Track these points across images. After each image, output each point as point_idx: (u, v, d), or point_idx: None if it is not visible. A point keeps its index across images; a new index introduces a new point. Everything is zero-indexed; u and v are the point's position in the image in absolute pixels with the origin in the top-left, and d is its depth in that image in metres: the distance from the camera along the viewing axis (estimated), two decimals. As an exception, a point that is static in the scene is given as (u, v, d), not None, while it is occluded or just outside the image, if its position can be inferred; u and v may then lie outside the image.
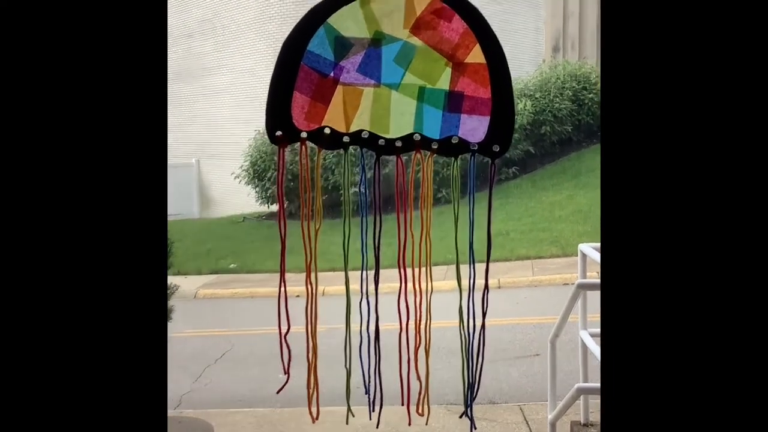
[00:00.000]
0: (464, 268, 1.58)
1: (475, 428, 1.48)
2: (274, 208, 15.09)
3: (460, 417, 1.55)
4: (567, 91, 13.82)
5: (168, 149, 1.42)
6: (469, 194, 1.56)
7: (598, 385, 4.89)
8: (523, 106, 13.08)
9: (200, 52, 16.98)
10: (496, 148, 1.57)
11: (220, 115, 17.56)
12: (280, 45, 1.48)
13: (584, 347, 5.08)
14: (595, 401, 5.73)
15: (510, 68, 1.48)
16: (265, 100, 1.47)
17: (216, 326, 9.52)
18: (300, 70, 1.53)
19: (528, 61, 14.68)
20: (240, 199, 15.77)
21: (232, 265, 12.82)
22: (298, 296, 1.52)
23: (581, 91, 14.11)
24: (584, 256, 5.10)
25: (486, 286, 1.50)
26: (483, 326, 1.51)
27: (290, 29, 1.49)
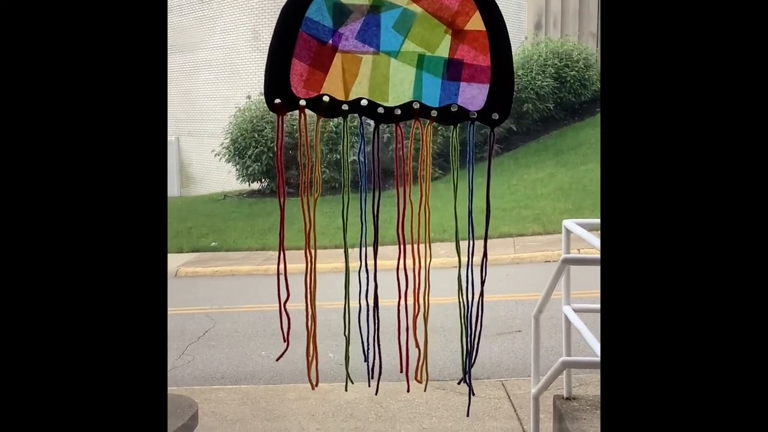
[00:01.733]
0: (463, 243, 1.58)
1: (474, 394, 1.49)
2: (255, 186, 15.03)
3: (458, 383, 1.56)
4: (549, 69, 13.84)
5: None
6: (468, 162, 1.56)
7: (582, 358, 4.97)
8: (505, 84, 13.07)
9: (179, 27, 16.77)
10: (496, 116, 1.57)
11: (200, 92, 17.39)
12: (261, 21, 1.46)
13: (567, 322, 5.13)
14: (578, 376, 5.81)
15: None
16: (246, 76, 1.45)
17: (197, 304, 9.52)
18: (299, 38, 1.52)
19: (510, 39, 14.66)
20: (220, 176, 15.68)
21: (213, 243, 12.78)
22: (289, 274, 1.51)
23: (563, 69, 14.13)
24: (568, 232, 5.14)
25: (485, 254, 1.50)
26: (482, 294, 1.52)
27: (272, 6, 1.47)
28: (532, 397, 4.92)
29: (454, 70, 1.55)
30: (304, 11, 1.50)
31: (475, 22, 1.52)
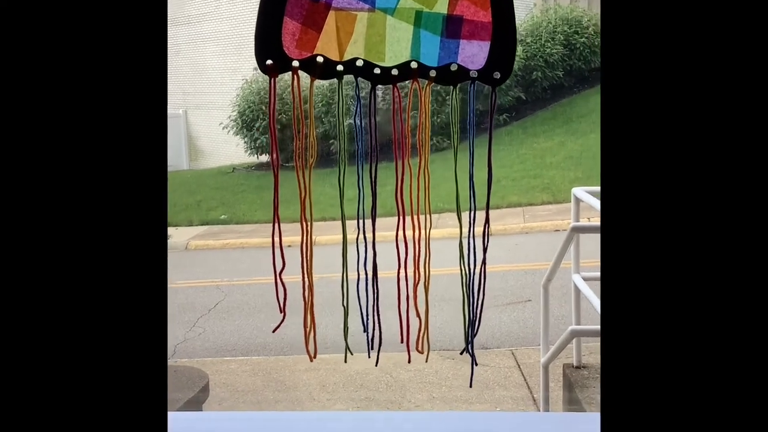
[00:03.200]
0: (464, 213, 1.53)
1: (477, 364, 1.44)
2: (264, 158, 14.98)
3: (461, 353, 1.52)
4: (558, 36, 13.69)
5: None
6: (468, 124, 1.49)
7: (592, 327, 4.96)
8: (514, 52, 12.93)
9: None
10: (497, 75, 1.49)
11: (207, 64, 17.29)
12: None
13: (577, 291, 5.10)
14: (587, 344, 5.80)
15: None
16: (253, 47, 1.39)
17: (208, 277, 9.55)
18: (290, -6, 1.45)
19: (519, 6, 14.45)
20: (229, 149, 15.65)
21: (223, 216, 12.79)
22: (290, 246, 1.47)
23: (573, 36, 13.98)
24: (577, 200, 5.09)
25: (487, 219, 1.45)
26: (484, 262, 1.46)
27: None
28: (541, 365, 4.90)
29: (453, 27, 1.47)
30: (295, -33, 1.43)
31: (475, -24, 1.45)
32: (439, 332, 6.01)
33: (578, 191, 4.99)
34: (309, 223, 1.44)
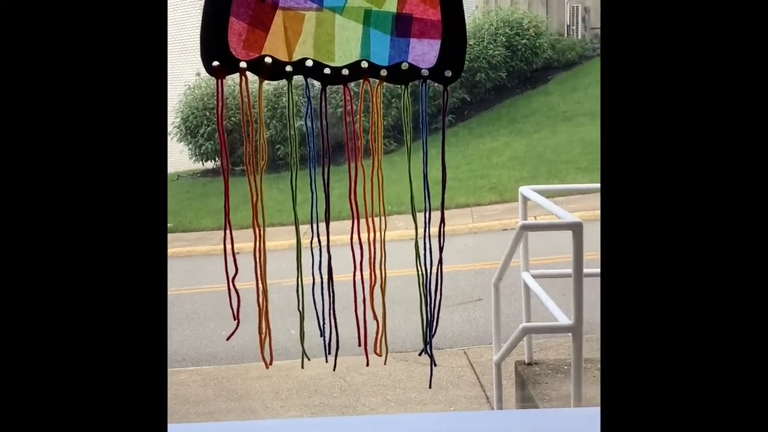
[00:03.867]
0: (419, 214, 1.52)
1: (435, 365, 1.43)
2: (209, 165, 14.80)
3: (419, 354, 1.50)
4: (500, 38, 13.85)
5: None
6: (421, 124, 1.47)
7: (543, 324, 4.99)
8: (457, 54, 13.03)
9: (123, 6, 16.32)
10: (449, 74, 1.48)
11: (148, 71, 17.00)
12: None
13: (526, 289, 5.14)
14: (538, 341, 5.85)
15: None
16: (194, 52, 1.36)
17: (208, 283, 9.33)
18: (235, -6, 1.41)
19: (466, 8, 14.60)
20: (173, 157, 15.39)
21: (169, 224, 12.57)
22: (239, 252, 1.43)
23: (514, 37, 14.15)
24: (525, 199, 5.14)
25: (442, 220, 1.43)
26: (440, 262, 1.45)
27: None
28: (494, 364, 4.93)
29: (403, 26, 1.45)
30: (240, -34, 1.40)
31: (424, -26, 1.43)
32: (392, 335, 6.00)
33: (525, 190, 5.04)
34: (261, 228, 1.41)
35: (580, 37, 17.02)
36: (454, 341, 6.72)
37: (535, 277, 4.88)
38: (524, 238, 4.83)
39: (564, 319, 4.03)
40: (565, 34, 16.96)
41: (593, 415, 1.50)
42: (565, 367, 5.20)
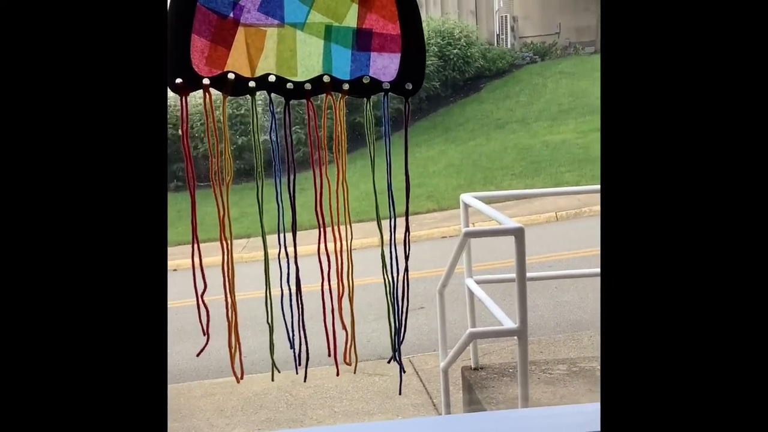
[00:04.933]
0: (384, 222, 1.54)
1: (404, 371, 1.46)
2: (178, 182, 14.60)
3: (389, 362, 1.52)
4: (432, 48, 14.02)
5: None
6: (384, 136, 1.51)
7: (489, 328, 5.05)
8: (391, 64, 13.14)
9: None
10: (409, 86, 1.52)
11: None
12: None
13: (471, 294, 5.22)
14: (483, 346, 5.93)
15: None
16: None
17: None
18: (197, 11, 1.41)
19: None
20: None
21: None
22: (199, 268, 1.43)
23: (446, 47, 14.35)
24: (466, 206, 5.22)
25: (407, 228, 1.46)
26: (406, 269, 1.48)
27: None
28: (441, 370, 4.97)
29: (363, 40, 1.49)
30: (201, -17, 1.41)
31: (382, -10, 1.47)
32: (339, 346, 6.01)
33: (466, 197, 5.12)
34: (228, 242, 1.41)
35: (509, 45, 17.36)
36: (399, 349, 6.71)
37: (478, 282, 4.95)
38: (467, 245, 4.90)
39: (509, 323, 4.10)
40: (495, 43, 17.27)
41: (542, 414, 1.54)
42: (511, 370, 5.27)
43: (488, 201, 5.17)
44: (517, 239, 3.82)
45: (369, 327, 7.28)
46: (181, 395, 6.18)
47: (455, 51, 14.31)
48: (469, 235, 4.62)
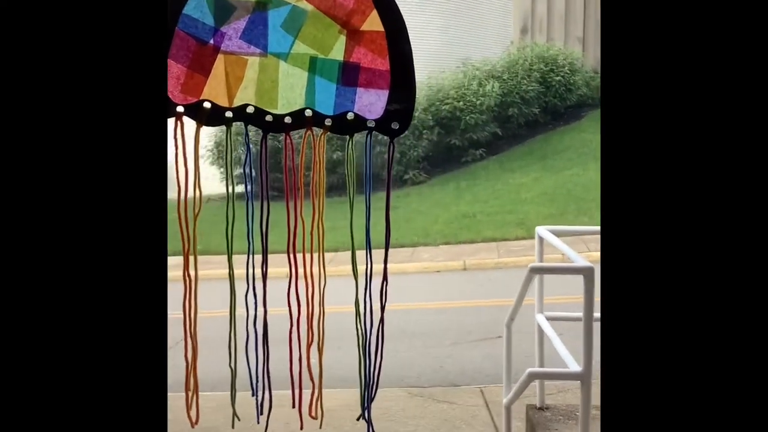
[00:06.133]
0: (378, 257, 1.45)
1: (374, 431, 1.35)
2: (240, 188, 14.95)
3: (357, 420, 1.42)
4: (535, 74, 13.74)
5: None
6: (365, 178, 1.41)
7: (550, 370, 4.86)
8: (491, 88, 12.96)
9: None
10: (396, 126, 1.41)
11: (185, 94, 17.25)
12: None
13: (540, 331, 5.01)
14: (551, 384, 5.69)
15: (477, 49, 1.33)
16: None
17: (178, 309, 9.31)
18: (175, 36, 1.35)
19: (496, 43, 14.55)
20: (206, 180, 15.55)
21: (199, 246, 12.65)
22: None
23: (549, 74, 14.04)
24: (541, 239, 5.03)
25: (384, 277, 1.36)
26: (381, 320, 1.37)
27: None
28: (503, 406, 4.80)
29: (349, 75, 1.39)
30: (180, 7, 1.34)
31: (373, 22, 1.37)
32: (409, 368, 5.92)
33: (541, 230, 4.94)
34: (193, 280, 1.35)
35: (618, 74, 16.79)
36: (471, 378, 6.59)
37: (549, 319, 4.75)
38: (539, 279, 4.71)
39: (574, 366, 3.89)
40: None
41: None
42: (577, 413, 5.03)
43: (567, 235, 4.97)
44: (586, 278, 3.62)
45: (444, 352, 7.18)
46: (249, 403, 6.20)
47: (558, 78, 13.96)
48: (535, 271, 4.43)
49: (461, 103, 12.97)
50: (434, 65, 13.44)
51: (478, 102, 12.97)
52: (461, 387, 6.82)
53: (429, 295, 8.92)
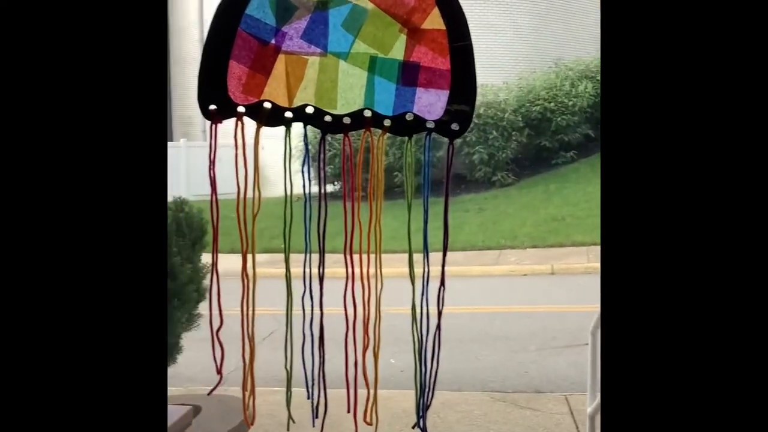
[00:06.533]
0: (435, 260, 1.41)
1: (426, 439, 1.32)
2: (330, 188, 15.15)
3: (413, 428, 1.39)
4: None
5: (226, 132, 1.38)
6: (424, 180, 1.37)
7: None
8: (583, 88, 12.67)
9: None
10: (456, 127, 1.37)
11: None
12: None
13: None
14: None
15: (570, 49, 1.29)
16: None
17: (265, 305, 9.55)
18: (237, 37, 1.36)
19: (589, 42, 14.22)
20: (297, 178, 15.82)
21: (283, 245, 12.86)
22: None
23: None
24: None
25: (442, 282, 1.32)
26: (438, 327, 1.34)
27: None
28: (588, 416, 4.69)
29: (409, 74, 1.36)
30: (243, 8, 1.35)
31: (434, 20, 1.33)
32: (493, 373, 5.87)
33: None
34: (250, 278, 1.35)
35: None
36: (557, 385, 6.47)
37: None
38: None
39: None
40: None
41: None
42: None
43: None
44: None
45: (528, 357, 7.08)
46: (336, 400, 6.26)
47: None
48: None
49: (552, 104, 12.72)
50: (525, 65, 13.24)
51: (570, 103, 12.69)
52: (545, 394, 6.68)
53: (515, 298, 8.79)
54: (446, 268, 1.34)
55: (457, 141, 1.36)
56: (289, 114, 1.38)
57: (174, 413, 2.57)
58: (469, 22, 1.37)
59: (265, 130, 1.42)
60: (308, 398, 1.37)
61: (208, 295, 1.47)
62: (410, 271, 1.36)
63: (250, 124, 1.40)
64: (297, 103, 1.39)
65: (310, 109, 1.39)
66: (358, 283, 1.36)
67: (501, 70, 13.36)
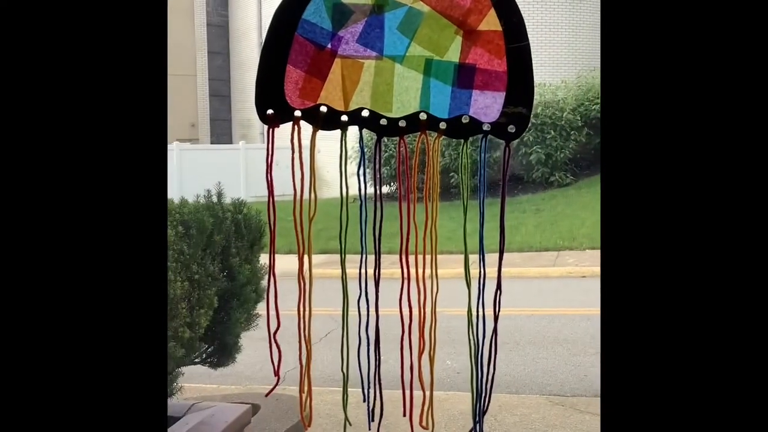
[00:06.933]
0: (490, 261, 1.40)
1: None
2: (385, 189, 15.16)
3: (470, 432, 1.38)
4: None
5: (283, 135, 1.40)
6: (479, 182, 1.36)
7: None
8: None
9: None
10: (512, 129, 1.35)
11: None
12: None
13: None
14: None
15: None
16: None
17: (322, 305, 9.61)
18: (294, 42, 1.37)
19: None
20: (353, 179, 15.89)
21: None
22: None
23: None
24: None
25: (498, 285, 1.31)
26: (495, 331, 1.33)
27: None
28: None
29: (465, 77, 1.35)
30: (300, 13, 1.36)
31: (490, 21, 1.32)
32: (551, 376, 5.81)
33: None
34: (307, 283, 1.36)
35: None
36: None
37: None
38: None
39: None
40: None
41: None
42: None
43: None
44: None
45: (588, 361, 6.99)
46: (392, 402, 6.27)
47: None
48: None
49: (613, 102, 12.53)
50: (584, 64, 13.04)
51: (630, 101, 12.49)
52: (595, 398, 6.56)
53: (573, 300, 8.65)
54: (503, 269, 1.33)
55: (514, 141, 1.35)
56: (344, 118, 1.39)
57: (233, 411, 2.60)
58: (526, 20, 1.35)
59: (322, 132, 1.42)
60: (364, 401, 1.37)
61: (266, 296, 1.49)
62: (466, 273, 1.35)
63: (306, 127, 1.41)
64: (353, 106, 1.39)
65: (365, 113, 1.39)
66: (414, 285, 1.35)
67: (559, 68, 13.18)
